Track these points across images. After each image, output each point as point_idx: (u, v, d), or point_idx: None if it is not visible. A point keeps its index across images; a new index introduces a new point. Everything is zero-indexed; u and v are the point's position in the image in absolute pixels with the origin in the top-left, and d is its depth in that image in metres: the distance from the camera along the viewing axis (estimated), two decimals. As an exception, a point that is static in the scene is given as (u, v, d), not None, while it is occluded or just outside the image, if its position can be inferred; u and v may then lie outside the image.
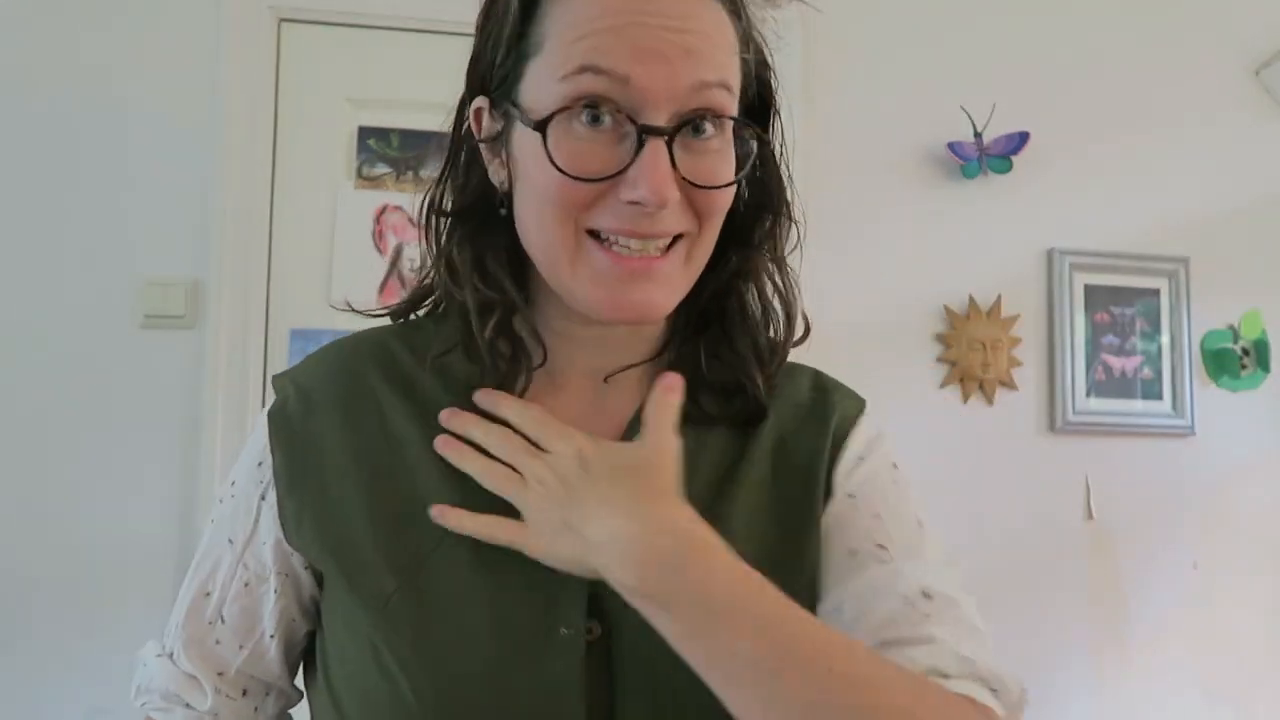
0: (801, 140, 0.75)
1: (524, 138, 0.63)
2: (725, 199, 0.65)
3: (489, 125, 0.68)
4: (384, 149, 2.09)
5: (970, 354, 2.20)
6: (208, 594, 0.72)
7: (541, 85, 0.62)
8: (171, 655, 0.73)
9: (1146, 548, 2.25)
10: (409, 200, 2.03)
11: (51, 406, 1.94)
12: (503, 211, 0.68)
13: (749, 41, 0.67)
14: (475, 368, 0.69)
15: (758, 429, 0.72)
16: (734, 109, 0.64)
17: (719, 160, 0.64)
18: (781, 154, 0.73)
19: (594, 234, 0.63)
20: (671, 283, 0.65)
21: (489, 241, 0.69)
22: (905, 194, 2.22)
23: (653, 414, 0.64)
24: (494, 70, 0.66)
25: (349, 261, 2.05)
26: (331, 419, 0.69)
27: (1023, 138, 2.22)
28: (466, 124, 0.70)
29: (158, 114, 2.00)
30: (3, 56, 1.99)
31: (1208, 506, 2.28)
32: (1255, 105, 2.38)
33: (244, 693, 0.73)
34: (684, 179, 0.61)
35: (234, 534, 0.71)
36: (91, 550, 1.89)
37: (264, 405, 0.75)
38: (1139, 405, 2.27)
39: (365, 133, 2.09)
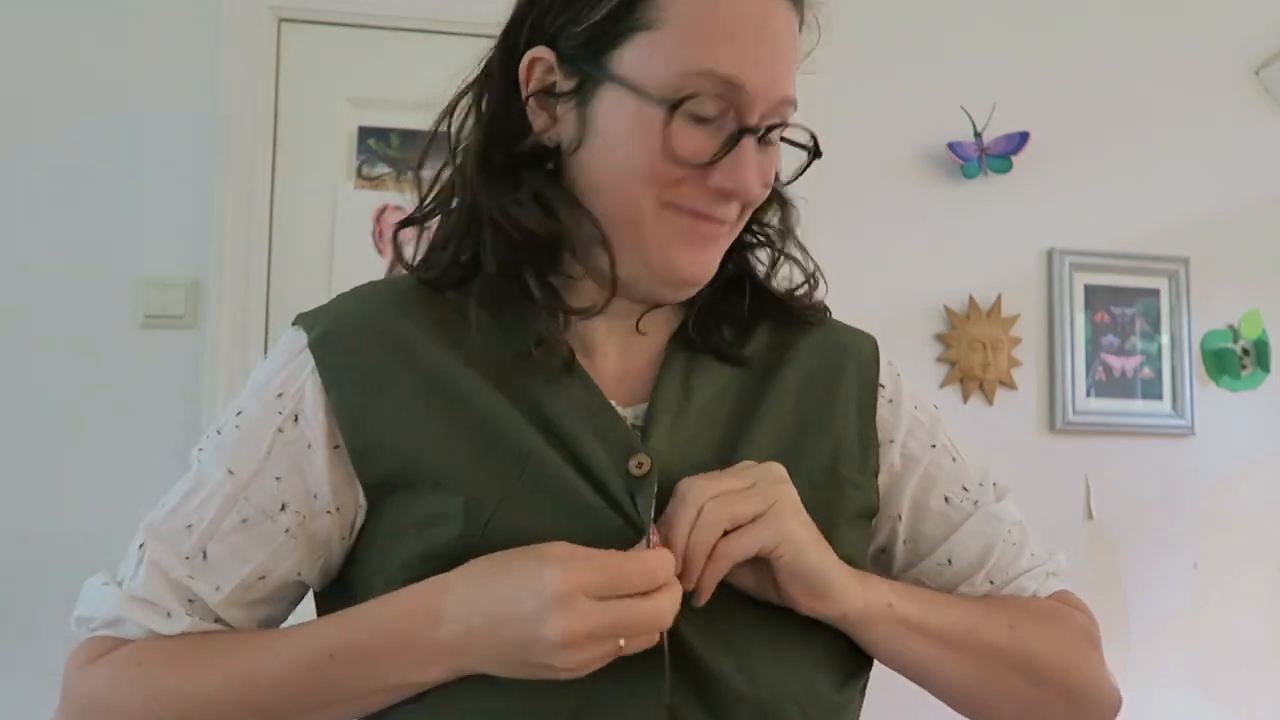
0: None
1: (619, 107, 0.66)
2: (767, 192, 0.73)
3: (551, 78, 0.69)
4: (384, 149, 2.09)
5: (970, 354, 2.20)
6: (189, 527, 0.67)
7: (653, 64, 0.65)
8: (121, 584, 0.68)
9: (1146, 548, 2.25)
10: (409, 200, 2.02)
11: (51, 406, 1.94)
12: (549, 166, 0.71)
13: None
14: (495, 318, 0.70)
15: (779, 368, 0.76)
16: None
17: (775, 159, 0.71)
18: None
19: (671, 204, 0.68)
20: (720, 253, 0.73)
21: (530, 191, 0.70)
22: (905, 194, 2.22)
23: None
24: (576, 29, 0.67)
25: (349, 261, 2.04)
26: (380, 351, 0.69)
27: (1023, 138, 2.22)
28: (493, 74, 0.72)
29: (158, 114, 2.00)
30: (2, 57, 1.99)
31: (1207, 506, 2.28)
32: (1255, 105, 2.38)
33: (215, 621, 0.67)
34: None
35: (236, 465, 0.67)
36: (91, 550, 1.88)
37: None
38: (1139, 405, 2.27)
39: (365, 133, 2.09)
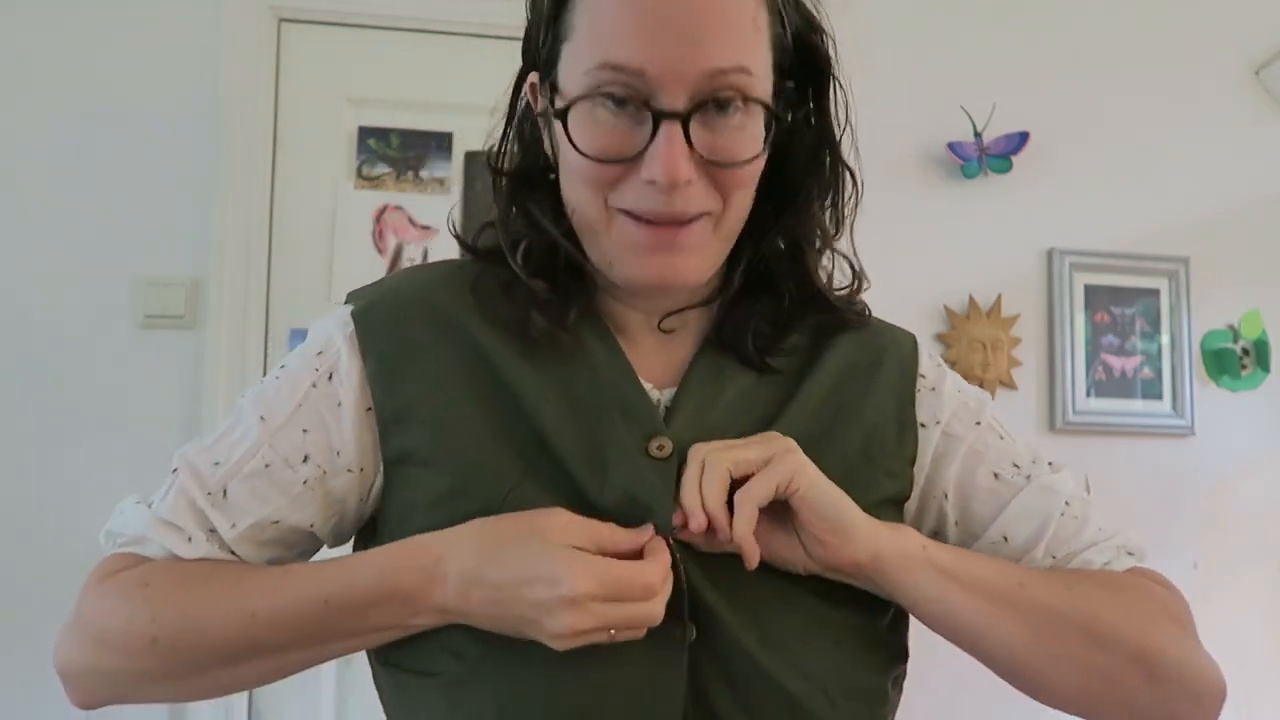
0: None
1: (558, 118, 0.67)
2: (748, 174, 0.68)
3: (539, 99, 0.72)
4: (384, 149, 2.09)
5: (970, 354, 2.20)
6: (216, 464, 0.70)
7: (570, 73, 0.66)
8: (151, 505, 0.72)
9: (1146, 548, 2.24)
10: (409, 200, 2.03)
11: (51, 406, 1.94)
12: (551, 177, 0.73)
13: (780, 12, 0.69)
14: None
15: (815, 362, 0.76)
16: (759, 88, 0.66)
17: (740, 137, 0.66)
18: (845, 121, 0.81)
19: (624, 210, 0.67)
20: (700, 251, 0.68)
21: (540, 199, 0.73)
22: (905, 194, 2.22)
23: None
24: (539, 49, 0.70)
25: (349, 261, 2.04)
26: (419, 323, 0.71)
27: (1023, 138, 2.22)
28: (525, 92, 0.74)
29: (158, 114, 2.00)
30: (2, 57, 1.99)
31: (1207, 506, 2.28)
32: (1255, 105, 2.38)
33: (231, 554, 0.71)
34: (703, 158, 0.65)
35: (269, 413, 0.71)
36: (91, 551, 1.88)
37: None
38: (1139, 405, 2.27)
39: (365, 133, 2.09)
